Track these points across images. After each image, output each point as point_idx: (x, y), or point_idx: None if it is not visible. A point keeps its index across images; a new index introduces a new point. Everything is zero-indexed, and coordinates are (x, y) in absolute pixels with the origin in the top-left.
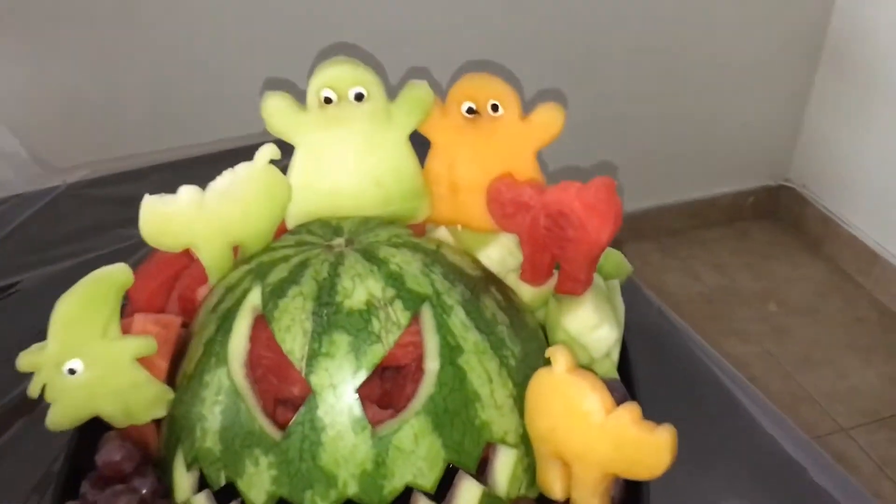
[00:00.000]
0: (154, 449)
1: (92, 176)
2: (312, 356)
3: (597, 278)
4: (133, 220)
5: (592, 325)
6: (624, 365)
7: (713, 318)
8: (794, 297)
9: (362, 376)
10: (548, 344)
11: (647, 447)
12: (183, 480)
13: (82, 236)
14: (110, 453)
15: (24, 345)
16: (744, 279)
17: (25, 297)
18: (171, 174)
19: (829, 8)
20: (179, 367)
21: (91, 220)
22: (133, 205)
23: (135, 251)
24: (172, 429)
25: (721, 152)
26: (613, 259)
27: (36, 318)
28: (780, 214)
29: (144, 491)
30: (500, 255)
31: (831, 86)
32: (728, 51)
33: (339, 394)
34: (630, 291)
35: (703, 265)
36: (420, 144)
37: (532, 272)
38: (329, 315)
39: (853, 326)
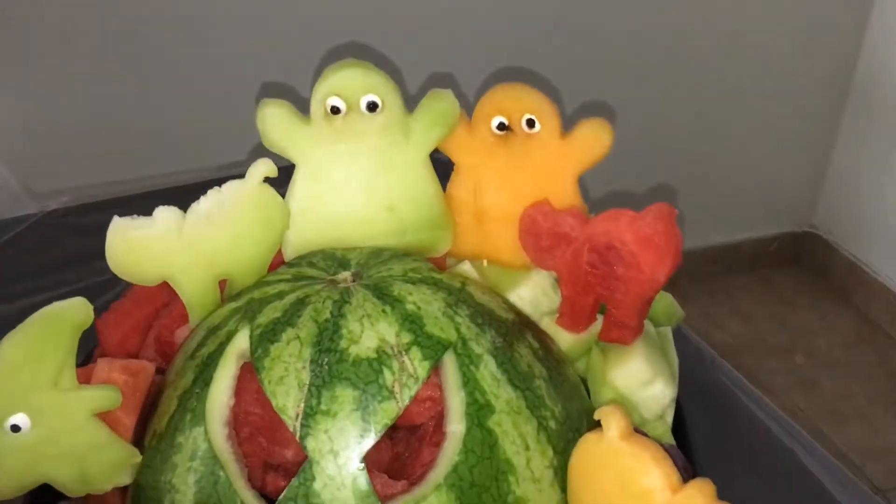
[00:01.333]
0: None
1: (73, 203)
2: (309, 415)
3: (648, 325)
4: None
5: (645, 381)
6: (679, 427)
7: (737, 369)
8: (822, 348)
9: (370, 441)
10: (590, 402)
11: None
12: None
13: (58, 268)
14: None
15: None
16: (768, 329)
17: None
18: (160, 202)
19: (856, 51)
20: (149, 423)
21: (68, 251)
22: None
23: (114, 285)
24: (138, 500)
25: (744, 197)
26: (664, 302)
27: None
28: (805, 261)
29: None
30: (532, 295)
31: (858, 130)
32: (753, 93)
33: (342, 462)
34: (678, 340)
35: (725, 313)
36: (441, 166)
37: (572, 316)
38: (331, 364)
39: (885, 380)
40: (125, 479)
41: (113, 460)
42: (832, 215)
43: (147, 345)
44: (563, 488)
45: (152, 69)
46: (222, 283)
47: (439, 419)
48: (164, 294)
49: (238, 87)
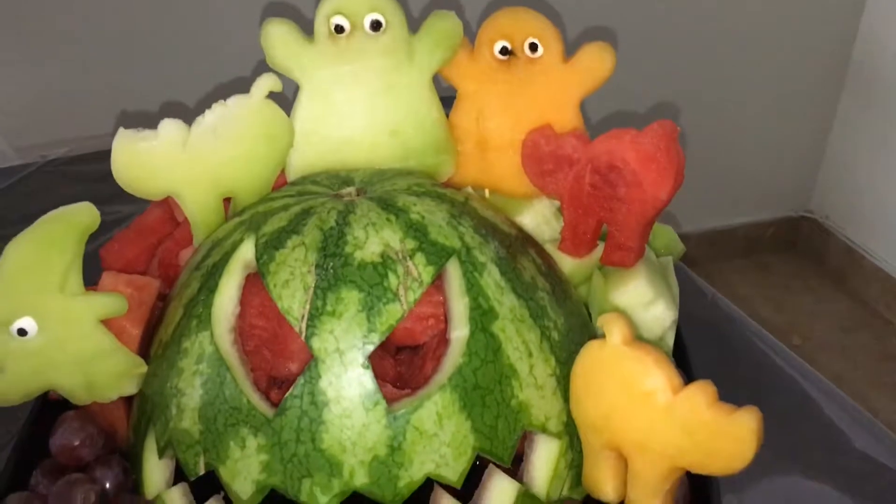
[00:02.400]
0: (122, 437)
1: (71, 153)
2: (315, 315)
3: (648, 252)
4: (112, 196)
5: (647, 301)
6: (679, 352)
7: None
8: (819, 331)
9: (375, 341)
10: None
11: (726, 434)
12: (154, 472)
13: None
14: (67, 436)
15: None
16: (765, 312)
17: None
18: None
19: (852, 36)
20: (155, 335)
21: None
22: (112, 181)
23: (111, 228)
24: (143, 408)
25: (741, 181)
26: (664, 236)
27: None
28: (801, 246)
29: (107, 484)
30: (534, 223)
31: (855, 114)
32: (749, 78)
33: (347, 361)
34: (679, 277)
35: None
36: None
37: (574, 241)
38: (336, 268)
39: (881, 363)
40: (131, 389)
41: (118, 369)
42: (828, 200)
43: (151, 270)
44: (566, 398)
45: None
46: (227, 204)
47: (441, 338)
48: (168, 225)
49: (242, 6)
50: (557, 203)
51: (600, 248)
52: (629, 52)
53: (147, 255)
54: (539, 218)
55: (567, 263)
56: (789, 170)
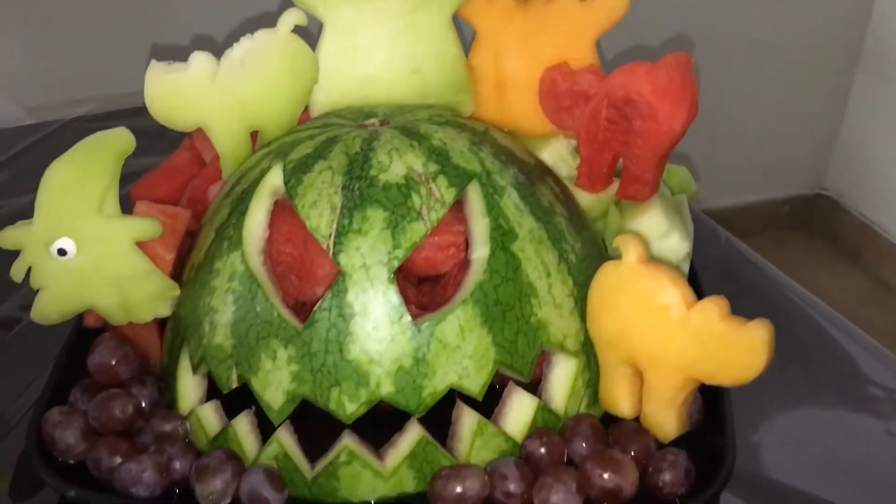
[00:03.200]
0: (155, 362)
1: (98, 110)
2: (342, 233)
3: (663, 188)
4: (138, 150)
5: (662, 232)
6: (693, 285)
7: None
8: (835, 308)
9: (400, 257)
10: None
11: (739, 344)
12: (188, 388)
13: None
14: (104, 355)
15: None
16: None
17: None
18: None
19: (867, 12)
20: (186, 261)
21: None
22: (138, 137)
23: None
24: (177, 329)
25: (755, 159)
26: (679, 176)
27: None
28: (816, 224)
29: (143, 402)
30: (552, 161)
31: (870, 91)
32: (763, 55)
33: (373, 276)
34: (694, 217)
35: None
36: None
37: (590, 176)
38: (362, 189)
39: None
40: (165, 311)
41: (153, 291)
42: (843, 177)
43: (180, 206)
44: (583, 319)
45: None
46: (254, 138)
47: (461, 267)
48: (195, 166)
49: None
50: (573, 142)
51: (616, 184)
52: None
53: (176, 194)
54: (556, 156)
55: (584, 198)
56: (804, 148)
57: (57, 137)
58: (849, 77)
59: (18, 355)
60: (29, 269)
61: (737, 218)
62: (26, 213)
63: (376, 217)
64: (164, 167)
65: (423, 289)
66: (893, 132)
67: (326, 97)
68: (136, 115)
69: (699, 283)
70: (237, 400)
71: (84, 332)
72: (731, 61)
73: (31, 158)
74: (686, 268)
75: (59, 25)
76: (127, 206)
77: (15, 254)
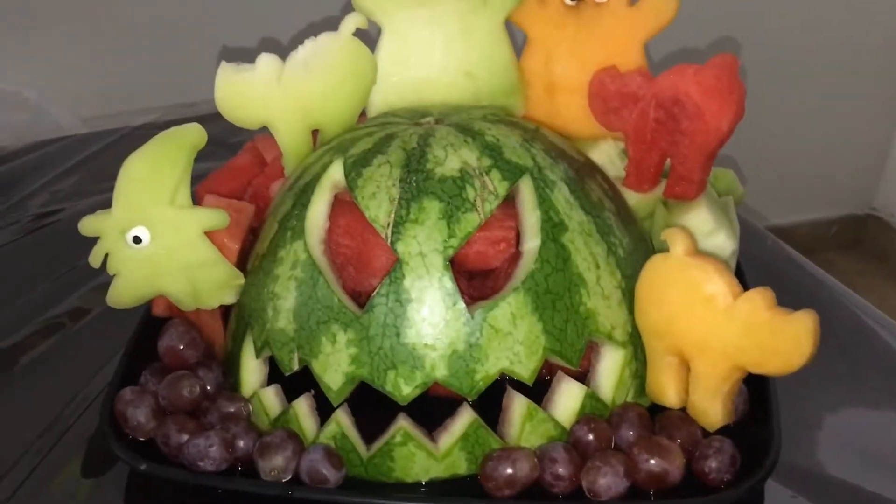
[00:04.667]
0: (219, 349)
1: (162, 119)
2: (399, 223)
3: (710, 188)
4: (200, 155)
5: (708, 231)
6: (739, 282)
7: None
8: None
9: (455, 245)
10: None
11: (784, 333)
12: (251, 373)
13: None
14: (173, 339)
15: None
16: None
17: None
18: None
19: None
20: (251, 252)
21: None
22: None
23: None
24: (241, 316)
25: (802, 178)
26: (725, 179)
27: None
28: (866, 244)
29: (209, 386)
30: (600, 162)
31: None
32: (811, 71)
33: (429, 264)
34: (740, 219)
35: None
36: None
37: (638, 176)
38: (419, 182)
39: None
40: (230, 298)
41: (220, 278)
42: (893, 197)
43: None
44: (631, 311)
45: None
46: (315, 137)
47: (512, 261)
48: (257, 167)
49: None
50: (622, 144)
51: (663, 185)
52: None
53: (239, 192)
54: (604, 158)
55: (632, 198)
56: (853, 166)
57: (122, 144)
58: None
59: (90, 341)
60: (105, 256)
61: (785, 238)
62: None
63: (432, 208)
64: (227, 167)
65: (474, 283)
66: None
67: (383, 98)
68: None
69: (745, 280)
70: (296, 385)
71: (152, 319)
72: (778, 78)
73: (97, 164)
74: (733, 265)
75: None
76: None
77: (90, 243)
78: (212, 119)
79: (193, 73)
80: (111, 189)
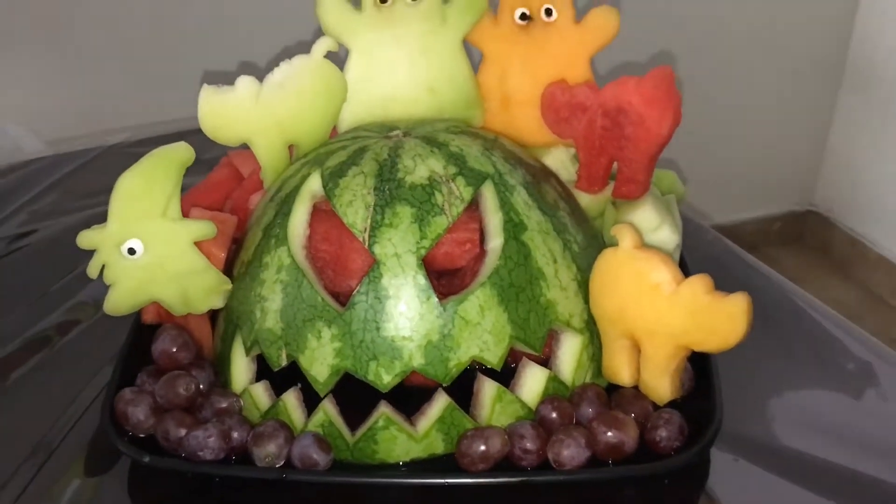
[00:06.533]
0: (208, 351)
1: (135, 137)
2: (375, 227)
3: (653, 188)
4: None
5: (653, 227)
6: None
7: None
8: None
9: (427, 246)
10: None
11: (722, 314)
12: (241, 371)
13: None
14: (167, 343)
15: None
16: None
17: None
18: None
19: (849, 30)
20: (235, 261)
21: None
22: None
23: None
24: (230, 319)
25: (745, 178)
26: (668, 179)
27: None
28: (807, 239)
29: (202, 386)
30: (553, 167)
31: (854, 108)
32: (749, 76)
33: (404, 263)
34: (684, 218)
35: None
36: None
37: (588, 179)
38: (391, 189)
39: (889, 347)
40: (219, 303)
41: (209, 285)
42: (832, 193)
43: None
44: (586, 300)
45: None
46: (291, 152)
47: (477, 261)
48: (234, 181)
49: None
50: (573, 150)
51: (611, 187)
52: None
53: (219, 205)
54: (557, 163)
55: (583, 199)
56: (793, 165)
57: (96, 163)
58: (832, 95)
59: (78, 353)
60: (102, 268)
61: (730, 236)
62: (73, 230)
63: (405, 213)
64: (206, 182)
65: (443, 282)
66: (877, 148)
67: (352, 114)
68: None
69: (688, 270)
70: (281, 381)
71: (142, 327)
72: (715, 83)
73: (74, 181)
74: (676, 258)
75: (74, 60)
76: None
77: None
78: (184, 136)
79: (157, 93)
80: (89, 206)
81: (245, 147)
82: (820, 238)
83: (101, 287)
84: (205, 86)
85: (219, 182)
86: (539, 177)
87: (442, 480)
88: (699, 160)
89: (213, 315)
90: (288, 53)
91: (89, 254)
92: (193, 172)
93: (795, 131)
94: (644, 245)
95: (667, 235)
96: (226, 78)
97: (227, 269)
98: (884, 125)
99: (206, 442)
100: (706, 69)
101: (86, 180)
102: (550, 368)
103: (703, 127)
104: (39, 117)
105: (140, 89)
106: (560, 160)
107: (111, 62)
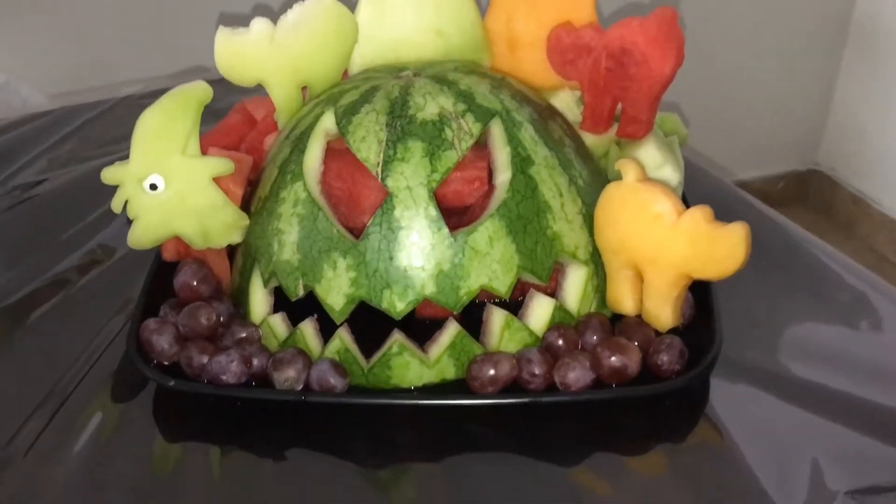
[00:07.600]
0: (226, 285)
1: (147, 89)
2: (388, 162)
3: (657, 129)
4: None
5: (656, 165)
6: None
7: None
8: None
9: (437, 179)
10: None
11: (722, 242)
12: (259, 302)
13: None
14: (188, 276)
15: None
16: None
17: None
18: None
19: None
20: (252, 197)
21: None
22: None
23: None
24: (248, 253)
25: (749, 137)
26: (670, 122)
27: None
28: (811, 198)
29: (221, 318)
30: (559, 109)
31: (858, 67)
32: (753, 34)
33: (416, 195)
34: (685, 161)
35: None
36: None
37: (593, 119)
38: (403, 125)
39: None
40: (237, 238)
41: (227, 220)
42: (835, 152)
43: None
44: (591, 233)
45: None
46: (303, 94)
47: (485, 198)
48: (248, 126)
49: None
50: (578, 93)
51: (615, 128)
52: None
53: (234, 148)
54: (563, 105)
55: (589, 139)
56: (796, 125)
57: (110, 114)
58: (837, 54)
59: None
60: (125, 203)
61: None
62: (89, 176)
63: (416, 147)
64: (220, 127)
65: (452, 220)
66: (880, 107)
67: (362, 58)
68: None
69: (689, 206)
70: (298, 313)
71: (162, 264)
72: (721, 42)
73: (89, 131)
74: (679, 195)
75: (80, 15)
76: None
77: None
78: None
79: (164, 46)
80: (104, 155)
81: (257, 93)
82: (824, 197)
83: (119, 230)
84: (220, 27)
85: (232, 127)
86: (545, 115)
87: (453, 401)
88: (702, 121)
89: (230, 252)
90: None
91: (106, 199)
92: (205, 120)
93: (799, 90)
94: (647, 178)
95: (669, 174)
96: (241, 20)
97: (244, 207)
98: (889, 84)
99: (229, 367)
100: (710, 28)
101: (101, 130)
102: (556, 298)
103: (704, 86)
104: (50, 70)
105: (155, 37)
106: (565, 102)
107: (114, 18)
